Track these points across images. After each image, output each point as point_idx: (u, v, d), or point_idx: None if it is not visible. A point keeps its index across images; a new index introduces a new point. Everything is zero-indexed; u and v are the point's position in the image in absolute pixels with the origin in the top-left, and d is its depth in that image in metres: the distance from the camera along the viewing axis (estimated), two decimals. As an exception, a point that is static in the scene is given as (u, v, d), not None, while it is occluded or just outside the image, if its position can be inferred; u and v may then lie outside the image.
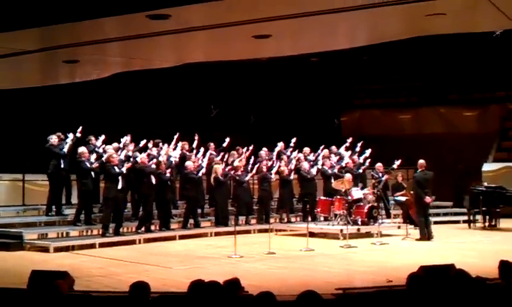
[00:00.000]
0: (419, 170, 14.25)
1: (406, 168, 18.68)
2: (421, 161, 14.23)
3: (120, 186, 13.34)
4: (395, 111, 24.15)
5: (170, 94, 20.65)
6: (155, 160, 14.23)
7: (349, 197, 15.05)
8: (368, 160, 17.52)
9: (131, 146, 14.81)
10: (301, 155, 17.30)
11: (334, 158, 17.32)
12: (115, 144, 14.59)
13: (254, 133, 20.79)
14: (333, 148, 18.00)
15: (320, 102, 23.68)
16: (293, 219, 16.89)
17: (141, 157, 14.08)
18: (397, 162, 17.20)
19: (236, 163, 15.96)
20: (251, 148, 16.68)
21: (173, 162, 14.97)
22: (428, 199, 14.02)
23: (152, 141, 15.37)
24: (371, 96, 25.17)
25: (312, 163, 16.90)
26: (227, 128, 18.76)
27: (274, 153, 17.26)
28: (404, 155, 17.53)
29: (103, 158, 13.72)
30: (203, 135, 16.58)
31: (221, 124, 20.66)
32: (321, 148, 17.58)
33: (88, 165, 13.64)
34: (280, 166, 16.37)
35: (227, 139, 16.63)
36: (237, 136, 17.81)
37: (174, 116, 19.81)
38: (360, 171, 17.27)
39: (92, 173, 13.72)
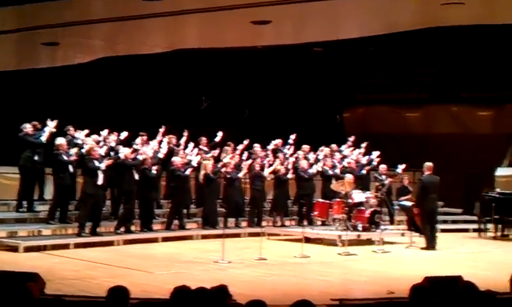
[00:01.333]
0: (426, 173, 14.28)
1: (413, 170, 18.71)
2: (428, 164, 14.27)
3: (99, 181, 13.31)
4: (403, 108, 24.16)
5: (157, 83, 20.62)
6: (141, 157, 14.20)
7: (350, 201, 15.07)
8: (376, 162, 17.53)
9: (112, 137, 14.75)
10: (299, 153, 17.31)
11: (337, 156, 17.33)
12: (95, 136, 14.56)
13: (249, 128, 20.79)
14: (333, 146, 18.04)
15: (322, 95, 23.67)
16: (287, 223, 16.89)
17: (125, 153, 14.03)
18: (401, 167, 17.24)
19: (227, 159, 15.93)
20: (245, 142, 16.68)
21: (161, 158, 14.95)
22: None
23: (140, 136, 15.34)
24: (377, 91, 25.16)
25: (311, 162, 16.91)
26: (219, 122, 18.76)
27: (269, 150, 17.25)
28: (411, 156, 17.57)
29: (83, 151, 13.69)
30: (192, 129, 16.57)
31: (212, 117, 20.65)
32: (321, 149, 17.58)
33: (66, 158, 13.60)
34: (273, 164, 16.37)
35: (219, 134, 16.62)
36: (230, 131, 17.80)
37: (161, 107, 19.79)
38: (363, 172, 17.30)
39: (70, 167, 13.68)
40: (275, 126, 20.59)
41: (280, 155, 16.98)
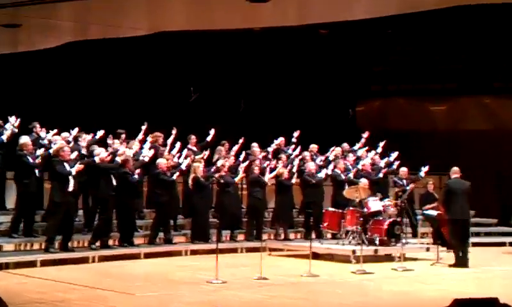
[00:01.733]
0: (453, 177, 14.31)
1: (439, 174, 18.74)
2: (455, 168, 14.31)
3: (70, 188, 13.29)
4: (426, 101, 24.17)
5: (137, 72, 20.60)
6: (119, 159, 14.18)
7: (365, 210, 15.09)
8: (395, 164, 17.55)
9: (86, 137, 14.72)
10: (306, 154, 17.31)
11: (350, 158, 17.35)
12: (65, 135, 14.55)
13: (245, 123, 20.81)
14: (345, 145, 18.05)
15: (331, 86, 23.69)
16: (292, 236, 16.90)
17: (100, 155, 13.98)
18: (424, 169, 17.26)
19: (220, 162, 15.93)
20: (240, 141, 16.68)
21: (145, 160, 14.92)
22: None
23: (118, 135, 15.34)
24: (395, 81, 25.18)
25: (319, 165, 16.91)
26: (210, 117, 18.79)
27: (271, 150, 17.26)
28: (437, 157, 17.60)
29: (50, 151, 13.66)
30: (179, 126, 16.56)
31: (202, 112, 20.66)
32: (331, 149, 17.61)
33: (31, 160, 13.58)
34: (276, 167, 16.39)
35: (212, 131, 16.62)
36: (224, 127, 17.81)
37: (142, 100, 19.79)
38: (380, 176, 17.32)
39: (36, 171, 13.66)
40: (276, 121, 20.62)
41: (283, 156, 16.97)
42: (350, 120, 23.87)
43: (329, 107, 23.28)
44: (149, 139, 15.60)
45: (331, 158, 17.36)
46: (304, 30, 18.97)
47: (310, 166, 16.64)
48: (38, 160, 13.65)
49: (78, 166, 13.37)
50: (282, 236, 16.60)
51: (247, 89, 22.65)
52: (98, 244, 14.09)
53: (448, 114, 23.80)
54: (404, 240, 15.07)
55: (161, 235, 15.25)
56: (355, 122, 23.93)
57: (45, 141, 14.29)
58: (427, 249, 15.50)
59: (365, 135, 18.19)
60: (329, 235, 15.94)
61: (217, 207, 16.20)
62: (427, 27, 22.33)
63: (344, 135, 18.80)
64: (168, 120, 16.77)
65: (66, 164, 13.30)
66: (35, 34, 13.83)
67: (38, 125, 14.61)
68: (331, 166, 16.89)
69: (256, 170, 16.23)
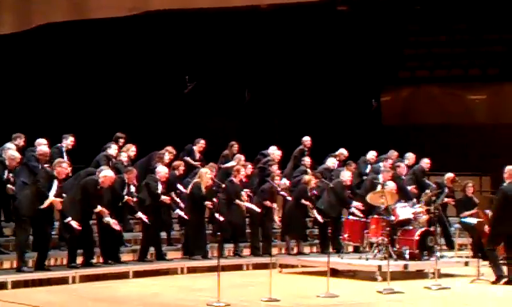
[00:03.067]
0: (507, 181, 14.10)
1: (479, 174, 18.74)
2: (510, 167, 14.13)
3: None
4: (464, 89, 24.19)
5: (122, 59, 20.63)
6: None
7: (392, 218, 15.09)
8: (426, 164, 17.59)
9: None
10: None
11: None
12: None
13: (250, 117, 20.84)
14: (370, 157, 17.95)
15: (351, 73, 23.71)
16: (306, 250, 16.91)
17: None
18: (448, 176, 17.17)
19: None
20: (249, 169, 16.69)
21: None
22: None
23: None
24: (426, 66, 25.19)
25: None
26: (209, 111, 18.80)
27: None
28: (476, 154, 17.58)
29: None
30: (173, 120, 16.60)
31: (200, 105, 20.67)
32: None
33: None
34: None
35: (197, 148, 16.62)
36: (225, 122, 17.87)
37: (127, 94, 19.80)
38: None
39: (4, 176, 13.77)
40: (286, 115, 20.62)
41: (306, 159, 17.25)
42: (373, 112, 23.89)
43: (348, 97, 23.30)
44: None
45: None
46: (319, 6, 18.95)
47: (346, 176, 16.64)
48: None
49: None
50: (295, 251, 16.62)
51: (252, 78, 22.68)
52: (79, 261, 14.11)
53: (489, 105, 23.80)
54: (438, 254, 15.07)
55: (152, 249, 15.25)
56: (380, 115, 23.95)
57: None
58: (466, 264, 15.48)
59: (393, 155, 17.99)
60: (350, 248, 15.92)
61: (214, 217, 16.12)
62: (462, 2, 22.31)
63: (365, 131, 18.80)
64: (158, 116, 16.76)
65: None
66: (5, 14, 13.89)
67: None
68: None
69: (277, 179, 16.35)
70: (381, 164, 17.46)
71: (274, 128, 19.63)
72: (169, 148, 15.93)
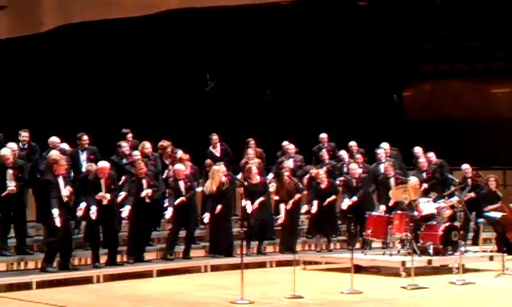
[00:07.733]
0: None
1: (503, 168, 18.67)
2: None
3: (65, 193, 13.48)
4: (487, 83, 24.09)
5: (144, 57, 20.70)
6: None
7: (416, 213, 15.07)
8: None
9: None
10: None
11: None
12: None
13: (271, 115, 20.85)
14: (383, 148, 17.86)
15: (372, 68, 23.67)
16: (331, 246, 16.94)
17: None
18: (465, 168, 16.99)
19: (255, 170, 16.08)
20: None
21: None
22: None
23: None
24: (448, 60, 25.10)
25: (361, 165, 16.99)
26: (230, 109, 18.82)
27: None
28: (500, 149, 17.51)
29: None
30: (194, 118, 16.64)
31: (220, 103, 20.70)
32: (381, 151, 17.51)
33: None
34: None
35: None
36: (246, 121, 17.89)
37: (150, 92, 19.87)
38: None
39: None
40: (307, 112, 20.60)
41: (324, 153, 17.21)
42: (395, 108, 23.83)
43: (370, 92, 23.26)
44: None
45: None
46: (340, 2, 18.95)
47: (353, 166, 16.62)
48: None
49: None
50: (323, 247, 16.62)
51: (273, 75, 22.68)
52: (103, 260, 14.20)
53: (514, 99, 23.71)
54: (462, 248, 15.02)
55: (177, 248, 15.31)
56: (402, 110, 23.89)
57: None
58: (491, 258, 15.44)
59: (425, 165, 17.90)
60: (373, 244, 15.91)
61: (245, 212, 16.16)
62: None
63: (388, 126, 18.76)
64: (179, 115, 16.80)
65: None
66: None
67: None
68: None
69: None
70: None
71: (294, 126, 19.58)
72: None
